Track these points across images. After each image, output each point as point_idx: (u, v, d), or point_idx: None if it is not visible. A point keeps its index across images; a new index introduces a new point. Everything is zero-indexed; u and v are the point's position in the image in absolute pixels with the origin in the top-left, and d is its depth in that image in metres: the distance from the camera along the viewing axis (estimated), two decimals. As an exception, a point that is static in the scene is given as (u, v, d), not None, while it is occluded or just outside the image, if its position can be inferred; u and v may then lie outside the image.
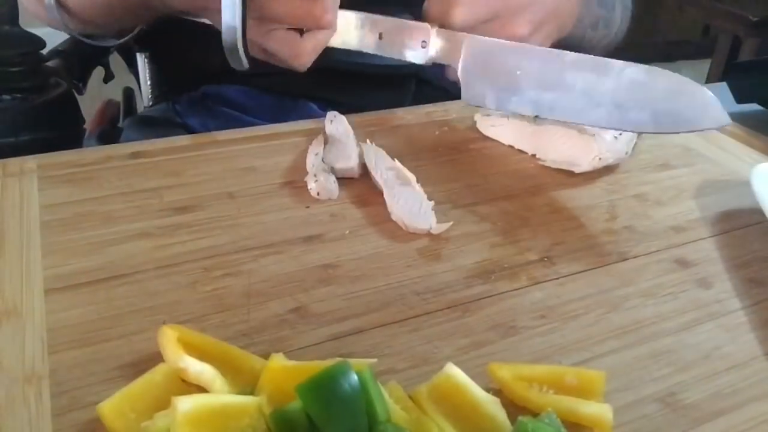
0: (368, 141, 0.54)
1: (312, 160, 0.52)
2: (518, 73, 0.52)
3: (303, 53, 0.53)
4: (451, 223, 0.46)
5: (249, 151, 0.53)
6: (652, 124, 0.47)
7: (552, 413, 0.30)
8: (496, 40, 0.54)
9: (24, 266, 0.40)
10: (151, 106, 0.94)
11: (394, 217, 0.46)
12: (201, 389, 0.31)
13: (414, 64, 0.57)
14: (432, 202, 0.47)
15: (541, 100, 0.52)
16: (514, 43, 0.53)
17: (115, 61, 0.94)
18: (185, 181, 0.50)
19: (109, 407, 0.30)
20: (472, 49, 0.54)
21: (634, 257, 0.45)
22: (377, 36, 0.56)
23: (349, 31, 0.57)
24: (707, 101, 0.46)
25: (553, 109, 0.51)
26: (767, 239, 0.48)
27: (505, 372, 0.33)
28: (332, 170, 0.51)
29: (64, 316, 0.36)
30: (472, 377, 0.32)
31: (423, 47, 0.56)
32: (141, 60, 0.94)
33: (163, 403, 0.29)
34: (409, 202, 0.47)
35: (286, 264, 0.42)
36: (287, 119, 0.60)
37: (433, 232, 0.45)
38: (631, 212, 0.50)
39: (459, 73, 0.55)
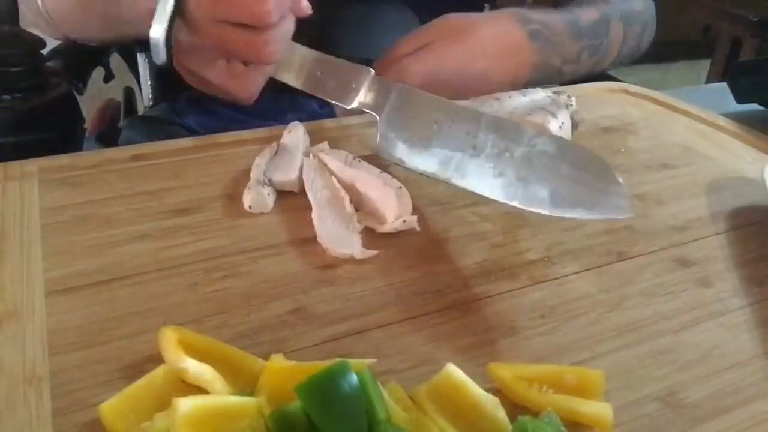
0: (312, 156, 0.52)
1: (253, 171, 0.50)
2: (434, 127, 0.50)
3: (246, 86, 0.53)
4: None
5: (249, 153, 0.53)
6: (549, 205, 0.43)
7: (552, 413, 0.30)
8: (427, 94, 0.52)
9: (25, 268, 0.40)
10: (151, 106, 0.94)
11: (319, 240, 0.44)
12: (201, 390, 0.31)
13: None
14: (360, 226, 0.45)
15: (450, 161, 0.48)
16: (442, 98, 0.51)
17: (116, 61, 0.94)
18: (186, 183, 0.50)
19: (110, 408, 0.30)
20: (399, 99, 0.53)
21: (634, 257, 0.45)
22: (318, 74, 0.56)
23: (291, 65, 0.57)
24: (614, 188, 0.42)
25: (460, 172, 0.48)
26: (767, 239, 0.48)
27: (504, 372, 0.33)
28: (271, 182, 0.49)
29: (65, 318, 0.36)
30: (472, 377, 0.32)
31: (354, 92, 0.54)
32: (141, 60, 0.94)
33: (163, 404, 0.29)
34: (335, 224, 0.45)
35: (285, 265, 0.42)
36: (286, 117, 0.60)
37: (357, 257, 0.42)
38: (631, 212, 0.50)
39: (380, 124, 0.53)
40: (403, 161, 0.51)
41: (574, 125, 0.59)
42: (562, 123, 0.55)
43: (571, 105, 0.58)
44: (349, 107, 0.55)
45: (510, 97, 0.60)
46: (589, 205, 0.42)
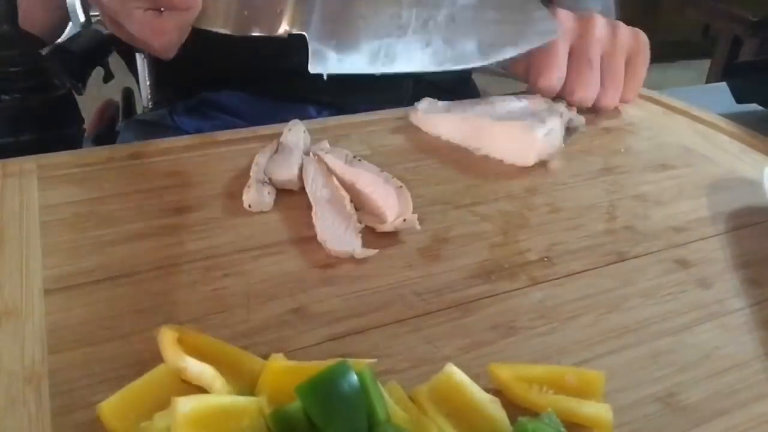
0: (312, 155, 0.52)
1: (252, 170, 0.50)
2: (360, 23, 0.49)
3: (163, 32, 0.51)
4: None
5: (249, 152, 0.53)
6: (478, 57, 0.45)
7: (552, 413, 0.30)
8: None
9: (24, 266, 0.40)
10: (150, 107, 0.94)
11: (318, 239, 0.43)
12: (201, 389, 0.31)
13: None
14: (360, 225, 0.45)
15: (378, 51, 0.48)
16: None
17: (115, 61, 0.94)
18: (185, 181, 0.50)
19: (109, 407, 0.30)
20: (324, 10, 0.51)
21: (634, 257, 0.45)
22: (245, 13, 0.53)
23: (217, 12, 0.54)
24: (537, 14, 0.43)
25: (389, 58, 0.48)
26: (767, 239, 0.48)
27: (504, 372, 0.33)
28: (270, 181, 0.49)
29: (64, 317, 0.36)
30: (472, 377, 0.32)
31: (279, 17, 0.52)
32: (140, 60, 0.94)
33: (163, 404, 0.29)
34: (336, 223, 0.45)
35: (285, 264, 0.42)
36: (284, 123, 0.60)
37: (357, 256, 0.42)
38: (631, 212, 0.50)
39: (309, 41, 0.51)
40: (336, 68, 0.50)
41: (570, 132, 0.59)
42: (550, 129, 0.55)
43: (568, 113, 0.59)
44: (277, 34, 0.53)
45: (503, 101, 0.60)
46: (516, 39, 0.42)
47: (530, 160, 0.55)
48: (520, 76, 0.62)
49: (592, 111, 0.65)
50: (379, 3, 0.48)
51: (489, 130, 0.56)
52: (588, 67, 0.60)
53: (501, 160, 0.56)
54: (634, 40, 0.63)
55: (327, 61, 0.50)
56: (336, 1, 0.51)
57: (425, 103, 0.61)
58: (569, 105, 0.61)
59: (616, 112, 0.67)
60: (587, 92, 0.62)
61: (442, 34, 0.44)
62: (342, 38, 0.50)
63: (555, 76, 0.59)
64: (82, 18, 0.50)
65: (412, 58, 0.46)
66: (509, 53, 0.43)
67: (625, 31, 0.63)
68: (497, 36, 0.43)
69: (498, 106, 0.59)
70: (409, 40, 0.46)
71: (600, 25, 0.61)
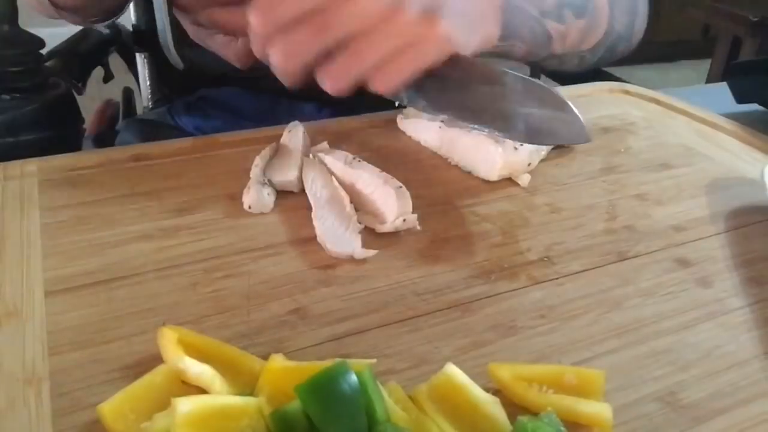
0: (312, 156, 0.52)
1: (252, 171, 0.50)
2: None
3: (240, 55, 0.51)
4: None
5: (249, 153, 0.53)
6: (525, 135, 0.46)
7: (552, 413, 0.30)
8: None
9: (24, 268, 0.40)
10: (150, 107, 0.94)
11: (318, 239, 0.44)
12: (201, 390, 0.31)
13: None
14: (360, 226, 0.45)
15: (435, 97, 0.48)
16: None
17: (115, 61, 0.94)
18: (185, 183, 0.50)
19: (109, 408, 0.30)
20: None
21: (634, 257, 0.45)
22: None
23: None
24: (574, 120, 0.44)
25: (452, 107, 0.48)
26: (767, 238, 0.48)
27: (504, 372, 0.33)
28: (270, 182, 0.49)
29: (65, 318, 0.36)
30: (472, 377, 0.32)
31: None
32: (140, 60, 0.94)
33: (163, 404, 0.29)
34: (335, 224, 0.45)
35: (285, 265, 0.42)
36: (284, 120, 0.60)
37: (356, 257, 0.42)
38: (631, 212, 0.50)
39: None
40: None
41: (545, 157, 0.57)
42: (518, 146, 0.53)
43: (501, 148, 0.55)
44: None
45: None
46: (553, 133, 0.45)
47: (493, 175, 0.53)
48: None
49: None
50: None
51: (459, 140, 0.55)
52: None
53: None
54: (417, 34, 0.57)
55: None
56: None
57: (410, 108, 0.60)
58: None
59: (616, 111, 0.68)
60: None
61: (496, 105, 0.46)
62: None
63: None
64: (179, 62, 0.50)
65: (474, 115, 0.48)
66: (548, 142, 0.46)
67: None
68: (540, 126, 0.45)
69: None
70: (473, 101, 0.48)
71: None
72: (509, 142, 0.52)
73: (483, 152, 0.53)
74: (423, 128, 0.58)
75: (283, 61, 0.44)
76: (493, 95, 0.47)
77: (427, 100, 0.49)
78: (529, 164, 0.53)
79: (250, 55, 0.51)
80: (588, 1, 0.66)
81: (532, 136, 0.46)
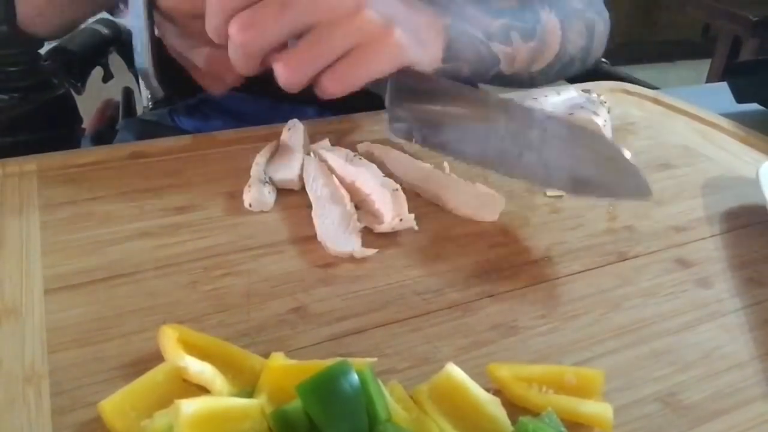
0: (312, 154, 0.52)
1: (253, 169, 0.50)
2: (436, 108, 0.49)
3: (227, 68, 0.50)
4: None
5: (248, 151, 0.53)
6: (571, 187, 0.44)
7: (552, 413, 0.30)
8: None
9: (23, 266, 0.40)
10: (150, 107, 0.94)
11: (318, 238, 0.43)
12: (201, 388, 0.31)
13: None
14: (360, 225, 0.44)
15: (465, 140, 0.48)
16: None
17: (115, 61, 0.94)
18: (185, 181, 0.50)
19: (110, 405, 0.30)
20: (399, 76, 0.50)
21: (635, 257, 0.45)
22: None
23: None
24: (630, 170, 0.41)
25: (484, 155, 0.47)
26: (767, 239, 0.48)
27: (504, 372, 0.33)
28: (271, 180, 0.49)
29: (64, 316, 0.36)
30: (473, 377, 0.32)
31: None
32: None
33: (163, 402, 0.29)
34: (336, 222, 0.44)
35: (285, 264, 0.42)
36: (285, 123, 0.60)
37: (356, 255, 0.42)
38: (632, 212, 0.50)
39: (386, 103, 0.51)
40: (420, 143, 0.51)
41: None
42: (605, 121, 0.55)
43: (605, 102, 0.59)
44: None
45: (546, 96, 0.60)
46: (610, 189, 0.42)
47: (494, 216, 0.48)
48: None
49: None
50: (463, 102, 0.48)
51: (443, 183, 0.50)
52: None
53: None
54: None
55: (412, 132, 0.51)
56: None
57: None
58: (600, 96, 0.60)
59: (616, 111, 0.67)
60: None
61: (535, 151, 0.44)
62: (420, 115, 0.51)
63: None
64: (158, 90, 0.51)
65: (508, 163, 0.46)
66: (599, 194, 0.42)
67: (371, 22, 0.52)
68: (589, 173, 0.42)
69: (543, 101, 0.58)
70: (504, 146, 0.45)
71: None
72: (600, 118, 0.53)
73: (479, 198, 0.48)
74: (402, 161, 0.53)
75: (241, 37, 0.43)
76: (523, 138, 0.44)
77: (445, 143, 0.48)
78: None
79: (232, 71, 0.50)
80: (536, 24, 0.66)
81: (578, 187, 0.43)
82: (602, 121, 0.54)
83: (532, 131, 0.45)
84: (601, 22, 0.74)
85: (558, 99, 0.59)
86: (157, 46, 0.52)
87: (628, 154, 0.42)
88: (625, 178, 0.42)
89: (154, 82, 0.51)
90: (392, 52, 0.47)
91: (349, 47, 0.45)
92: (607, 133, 0.54)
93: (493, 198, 0.48)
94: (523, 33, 0.64)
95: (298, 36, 0.45)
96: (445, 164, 0.51)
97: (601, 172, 0.42)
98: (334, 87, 0.46)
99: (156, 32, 0.53)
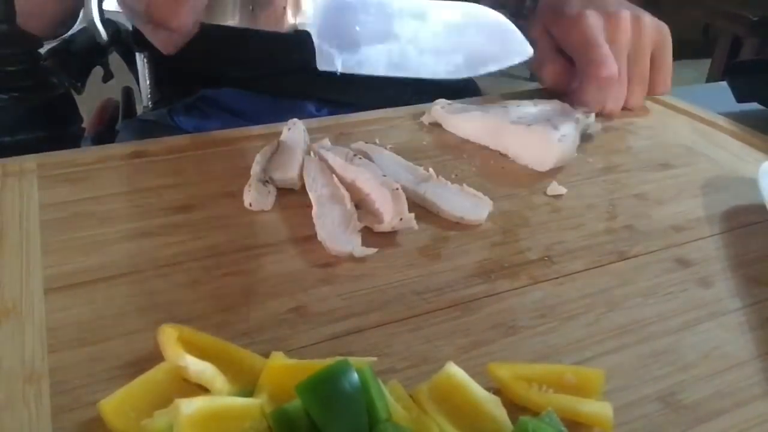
0: (312, 153, 0.52)
1: (253, 169, 0.50)
2: (357, 29, 0.54)
3: (179, 14, 0.50)
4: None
5: (248, 151, 0.53)
6: (465, 68, 0.51)
7: (552, 413, 0.30)
8: None
9: (23, 265, 0.40)
10: (150, 107, 0.94)
11: (318, 238, 0.43)
12: (201, 388, 0.31)
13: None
14: (360, 224, 0.44)
15: (376, 56, 0.54)
16: None
17: (115, 60, 0.94)
18: (186, 180, 0.50)
19: (110, 405, 0.30)
20: (324, 9, 0.54)
21: (635, 256, 0.45)
22: (250, 8, 0.55)
23: (225, 5, 0.55)
24: (512, 38, 0.48)
25: (391, 64, 0.54)
26: (767, 239, 0.48)
27: (503, 371, 0.33)
28: (271, 180, 0.49)
29: (64, 316, 0.36)
30: (473, 376, 0.32)
31: (283, 12, 0.55)
32: (140, 60, 0.94)
33: (164, 402, 0.29)
34: (336, 222, 0.44)
35: (285, 263, 0.42)
36: (283, 120, 0.60)
37: (356, 255, 0.42)
38: (632, 211, 0.50)
39: (314, 39, 0.55)
40: (342, 69, 0.55)
41: (586, 138, 0.59)
42: (563, 135, 0.54)
43: (586, 119, 0.59)
44: (284, 30, 0.55)
45: (518, 106, 0.60)
46: (497, 56, 0.49)
47: (547, 165, 0.55)
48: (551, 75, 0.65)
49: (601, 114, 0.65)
50: (372, 12, 0.53)
51: (507, 132, 0.57)
52: (619, 79, 0.62)
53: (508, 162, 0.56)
54: (657, 33, 0.63)
55: (334, 61, 0.55)
56: (335, 5, 0.54)
57: (442, 103, 0.62)
58: (586, 113, 0.61)
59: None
60: (617, 105, 0.64)
61: (432, 45, 0.49)
62: (343, 41, 0.55)
63: (613, 64, 0.60)
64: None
65: (408, 64, 0.51)
66: (492, 68, 0.49)
67: (650, 25, 0.64)
68: (482, 52, 0.48)
69: (512, 110, 0.59)
70: (404, 48, 0.50)
71: (625, 27, 0.62)
72: (558, 132, 0.54)
73: (536, 144, 0.54)
74: (469, 120, 0.60)
75: None
76: None
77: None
78: (573, 153, 0.56)
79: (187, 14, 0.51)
80: None
81: (471, 66, 0.51)
82: (558, 135, 0.54)
83: (428, 26, 0.51)
84: None
85: (532, 110, 0.60)
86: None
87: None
88: (508, 46, 0.49)
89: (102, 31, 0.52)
90: None
91: None
92: (567, 148, 0.55)
93: (480, 201, 0.48)
94: None
95: None
96: (431, 169, 0.51)
97: (487, 47, 0.50)
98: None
99: None
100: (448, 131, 0.61)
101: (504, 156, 0.57)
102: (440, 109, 0.61)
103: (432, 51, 0.52)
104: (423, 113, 0.63)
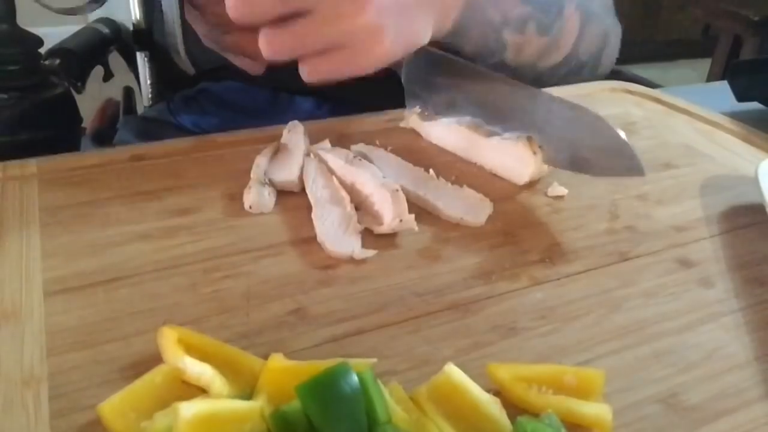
0: (312, 155, 0.52)
1: (253, 171, 0.50)
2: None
3: (253, 57, 0.51)
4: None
5: (248, 153, 0.53)
6: (569, 165, 0.50)
7: (552, 414, 0.30)
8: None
9: (23, 268, 0.40)
10: (150, 106, 0.94)
11: (318, 240, 0.43)
12: (201, 390, 0.31)
13: None
14: (360, 226, 0.44)
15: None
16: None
17: (115, 60, 0.94)
18: (185, 183, 0.50)
19: (110, 407, 0.30)
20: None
21: (636, 257, 0.45)
22: None
23: None
24: (624, 151, 0.46)
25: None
26: (769, 239, 0.48)
27: (504, 373, 0.33)
28: (271, 182, 0.49)
29: (64, 319, 0.36)
30: (473, 378, 0.32)
31: None
32: (141, 59, 0.94)
33: (163, 404, 0.29)
34: (335, 224, 0.44)
35: (285, 265, 0.42)
36: (283, 116, 0.60)
37: (356, 257, 0.42)
38: (633, 212, 0.50)
39: (403, 80, 0.57)
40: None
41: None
42: (539, 147, 0.51)
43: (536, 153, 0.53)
44: None
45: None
46: (605, 168, 0.47)
47: (524, 178, 0.52)
48: None
49: None
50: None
51: (481, 144, 0.54)
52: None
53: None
54: None
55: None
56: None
57: (417, 109, 0.60)
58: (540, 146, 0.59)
59: (617, 111, 0.67)
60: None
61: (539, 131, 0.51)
62: (438, 94, 0.58)
63: None
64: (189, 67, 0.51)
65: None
66: (595, 173, 0.49)
67: None
68: (591, 154, 0.49)
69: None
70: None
71: None
72: (535, 143, 0.52)
73: (515, 156, 0.52)
74: (443, 130, 0.58)
75: (234, 12, 0.43)
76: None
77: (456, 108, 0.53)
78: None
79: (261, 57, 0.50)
80: (556, 21, 0.65)
81: (576, 164, 0.49)
82: (536, 147, 0.51)
83: (536, 111, 0.50)
84: (613, 34, 0.74)
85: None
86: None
87: (623, 135, 0.45)
88: (620, 159, 0.46)
89: (186, 60, 0.51)
90: (378, 58, 0.47)
91: (339, 46, 0.45)
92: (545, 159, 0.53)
93: (480, 202, 0.48)
94: (539, 26, 0.65)
95: (297, 15, 0.45)
96: (431, 171, 0.51)
97: (598, 152, 0.47)
98: (311, 76, 0.46)
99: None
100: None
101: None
102: (416, 117, 0.60)
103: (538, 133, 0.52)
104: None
